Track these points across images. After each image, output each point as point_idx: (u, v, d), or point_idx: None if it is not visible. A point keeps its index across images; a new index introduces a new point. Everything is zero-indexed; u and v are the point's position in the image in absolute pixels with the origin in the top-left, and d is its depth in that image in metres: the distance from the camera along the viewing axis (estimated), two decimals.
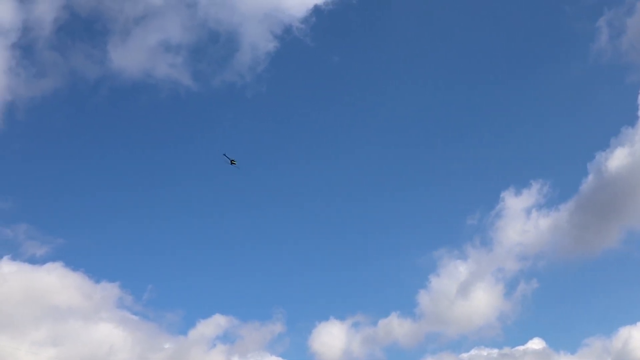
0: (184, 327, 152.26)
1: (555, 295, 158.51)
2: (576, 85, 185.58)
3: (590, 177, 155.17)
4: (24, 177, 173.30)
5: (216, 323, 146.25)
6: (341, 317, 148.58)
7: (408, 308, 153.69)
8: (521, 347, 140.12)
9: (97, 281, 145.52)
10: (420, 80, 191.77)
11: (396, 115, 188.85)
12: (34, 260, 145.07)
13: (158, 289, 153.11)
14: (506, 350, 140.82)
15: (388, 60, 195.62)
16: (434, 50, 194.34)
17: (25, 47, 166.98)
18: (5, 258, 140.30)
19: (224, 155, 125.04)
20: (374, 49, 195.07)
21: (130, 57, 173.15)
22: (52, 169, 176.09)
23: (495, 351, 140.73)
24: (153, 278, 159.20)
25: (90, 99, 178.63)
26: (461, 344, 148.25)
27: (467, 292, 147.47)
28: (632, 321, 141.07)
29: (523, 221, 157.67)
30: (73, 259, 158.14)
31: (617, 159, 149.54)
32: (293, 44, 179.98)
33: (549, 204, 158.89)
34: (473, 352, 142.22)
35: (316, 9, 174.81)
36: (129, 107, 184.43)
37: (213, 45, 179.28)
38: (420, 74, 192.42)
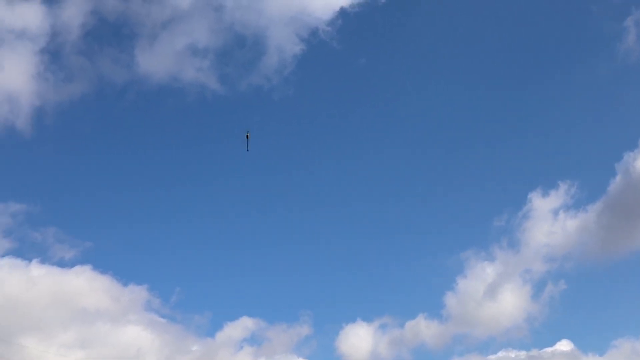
0: (211, 330, 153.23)
1: (583, 296, 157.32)
2: (604, 85, 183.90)
3: (618, 177, 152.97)
4: (53, 181, 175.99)
5: (243, 325, 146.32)
6: (368, 319, 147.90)
7: (435, 310, 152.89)
8: (549, 349, 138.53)
9: (125, 284, 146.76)
10: (447, 82, 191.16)
11: (423, 117, 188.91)
12: (62, 264, 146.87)
13: (185, 291, 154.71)
14: (534, 352, 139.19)
15: (415, 62, 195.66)
16: (460, 52, 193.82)
17: (53, 52, 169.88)
18: (34, 261, 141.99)
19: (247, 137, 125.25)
20: (401, 51, 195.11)
21: (157, 61, 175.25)
22: (80, 173, 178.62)
23: (523, 353, 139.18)
24: (181, 280, 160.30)
25: (118, 103, 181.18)
26: (489, 345, 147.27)
27: (494, 293, 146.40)
28: None
29: (550, 222, 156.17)
30: (101, 262, 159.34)
31: None
32: (319, 47, 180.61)
33: (576, 205, 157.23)
34: (500, 354, 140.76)
35: (342, 12, 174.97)
36: (156, 111, 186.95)
37: (240, 48, 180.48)
38: (447, 76, 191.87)
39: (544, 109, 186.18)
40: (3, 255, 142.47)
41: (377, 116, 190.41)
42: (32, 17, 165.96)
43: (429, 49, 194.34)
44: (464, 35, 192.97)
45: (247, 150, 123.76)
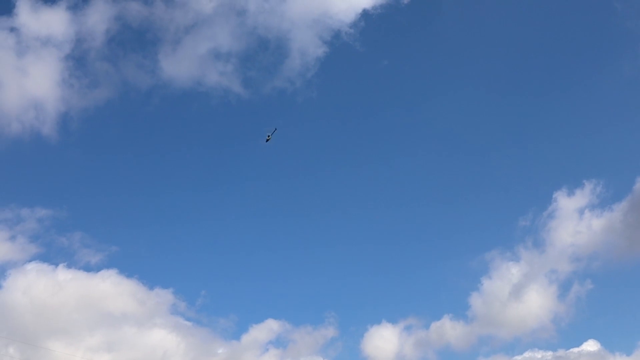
0: (237, 332, 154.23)
1: (609, 296, 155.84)
2: (629, 84, 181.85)
3: None
4: (78, 186, 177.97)
5: (269, 328, 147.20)
6: (393, 321, 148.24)
7: (460, 311, 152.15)
8: (576, 349, 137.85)
9: (151, 287, 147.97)
10: (471, 83, 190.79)
11: (447, 118, 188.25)
12: (88, 268, 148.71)
13: (211, 294, 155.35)
14: (560, 352, 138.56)
15: (437, 64, 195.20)
16: (484, 53, 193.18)
17: (78, 59, 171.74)
18: (60, 266, 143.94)
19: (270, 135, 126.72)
20: (424, 52, 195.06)
21: (180, 66, 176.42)
22: (105, 177, 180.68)
23: (549, 353, 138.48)
24: (206, 284, 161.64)
25: (142, 108, 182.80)
26: (514, 346, 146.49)
27: (520, 294, 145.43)
28: None
29: (576, 222, 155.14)
30: (127, 266, 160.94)
31: None
32: (342, 49, 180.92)
33: (602, 204, 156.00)
34: (527, 354, 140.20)
35: (365, 13, 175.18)
36: (180, 116, 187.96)
37: (263, 52, 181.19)
38: (471, 77, 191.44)
39: (569, 108, 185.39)
40: (30, 260, 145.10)
41: (401, 118, 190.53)
42: (57, 24, 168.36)
43: (452, 50, 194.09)
44: (487, 36, 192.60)
45: (267, 141, 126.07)
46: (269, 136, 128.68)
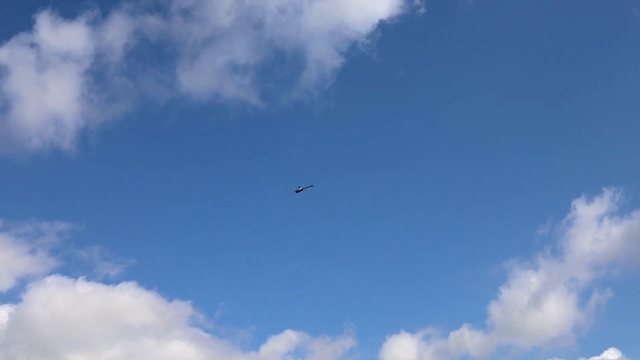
0: (255, 343, 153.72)
1: (630, 304, 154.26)
2: None
3: None
4: (97, 200, 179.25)
5: (287, 338, 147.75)
6: (412, 330, 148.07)
7: (479, 320, 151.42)
8: (596, 358, 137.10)
9: (170, 300, 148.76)
10: (488, 91, 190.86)
11: (465, 126, 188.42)
12: (108, 281, 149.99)
13: (229, 306, 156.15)
14: None
15: (454, 73, 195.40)
16: (500, 61, 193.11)
17: (97, 73, 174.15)
18: (80, 279, 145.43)
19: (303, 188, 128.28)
20: (440, 61, 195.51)
21: (198, 79, 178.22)
22: (124, 191, 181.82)
23: None
24: (225, 295, 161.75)
25: (161, 122, 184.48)
26: (534, 355, 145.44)
27: (539, 302, 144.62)
28: None
29: (595, 229, 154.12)
30: (146, 279, 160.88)
31: None
32: (359, 60, 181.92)
33: (621, 211, 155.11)
34: None
35: (381, 24, 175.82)
36: (199, 129, 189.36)
37: (280, 64, 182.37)
38: (487, 85, 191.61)
39: (588, 115, 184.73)
40: (50, 273, 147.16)
41: (418, 127, 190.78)
42: (77, 40, 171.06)
43: (468, 59, 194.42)
44: (502, 44, 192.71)
45: (297, 192, 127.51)
46: (300, 188, 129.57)
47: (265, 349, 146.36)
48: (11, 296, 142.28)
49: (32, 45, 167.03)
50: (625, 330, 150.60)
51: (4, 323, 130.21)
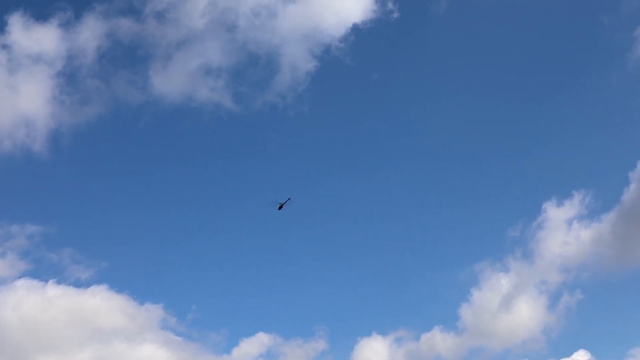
0: (227, 346, 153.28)
1: (599, 306, 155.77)
2: (616, 95, 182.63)
3: (632, 186, 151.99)
4: (69, 203, 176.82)
5: (259, 341, 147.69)
6: (383, 333, 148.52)
7: (450, 322, 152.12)
8: None
9: (141, 303, 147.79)
10: (460, 95, 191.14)
11: (436, 130, 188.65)
12: (78, 284, 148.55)
13: (201, 309, 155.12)
14: None
15: (427, 77, 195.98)
16: (472, 65, 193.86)
17: (69, 75, 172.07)
18: (50, 282, 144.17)
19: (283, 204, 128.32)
20: (414, 66, 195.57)
21: (171, 82, 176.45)
22: (95, 194, 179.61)
23: None
24: (196, 298, 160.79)
25: (133, 124, 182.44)
26: (505, 357, 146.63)
27: (510, 305, 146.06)
28: None
29: (565, 232, 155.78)
30: (117, 282, 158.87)
31: None
32: (333, 63, 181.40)
33: (591, 214, 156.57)
34: None
35: (355, 28, 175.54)
36: (171, 132, 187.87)
37: (253, 67, 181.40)
38: (460, 89, 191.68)
39: (557, 119, 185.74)
40: (20, 277, 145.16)
41: (391, 131, 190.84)
42: (49, 42, 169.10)
43: (442, 63, 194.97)
44: (475, 48, 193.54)
45: (279, 209, 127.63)
46: (281, 205, 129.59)
47: (237, 351, 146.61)
48: None
49: (4, 46, 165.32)
50: (595, 332, 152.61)
51: None
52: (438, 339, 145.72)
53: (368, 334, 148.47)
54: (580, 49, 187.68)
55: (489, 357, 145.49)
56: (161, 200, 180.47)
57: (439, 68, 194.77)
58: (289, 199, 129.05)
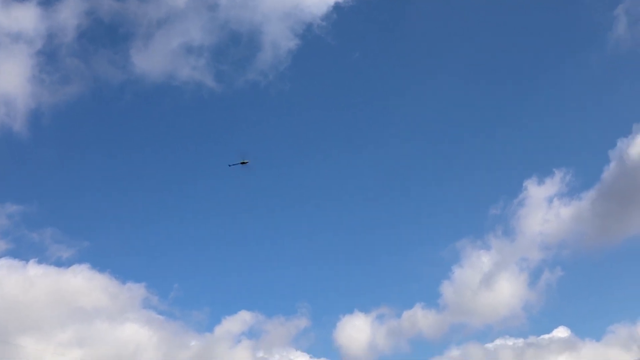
0: (210, 324, 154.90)
1: (579, 283, 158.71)
2: (596, 74, 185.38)
3: (612, 164, 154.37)
4: (50, 182, 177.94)
5: (242, 319, 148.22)
6: (365, 310, 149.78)
7: (432, 299, 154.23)
8: (547, 336, 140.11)
9: (123, 282, 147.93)
10: (442, 74, 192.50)
11: (418, 109, 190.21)
12: (60, 263, 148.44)
13: (184, 288, 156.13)
14: (532, 339, 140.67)
15: (409, 56, 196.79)
16: (454, 44, 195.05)
17: (49, 54, 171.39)
18: (31, 261, 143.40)
19: (230, 165, 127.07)
20: (395, 44, 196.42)
21: (152, 60, 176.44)
22: (77, 173, 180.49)
23: (520, 340, 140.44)
24: (178, 277, 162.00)
25: (114, 103, 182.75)
26: (486, 334, 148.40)
27: (491, 282, 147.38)
28: None
29: (545, 210, 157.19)
30: (99, 261, 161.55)
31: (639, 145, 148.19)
32: (314, 42, 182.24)
33: (571, 192, 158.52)
34: (498, 341, 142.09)
35: (336, 6, 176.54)
36: (152, 111, 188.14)
37: (235, 45, 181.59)
38: (441, 68, 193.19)
39: (539, 98, 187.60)
40: (0, 257, 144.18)
41: (372, 109, 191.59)
42: (28, 20, 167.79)
43: (423, 42, 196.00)
44: (457, 28, 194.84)
45: (241, 164, 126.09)
46: (240, 163, 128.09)
47: (219, 329, 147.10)
48: None
49: None
50: (575, 308, 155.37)
51: None
52: (419, 316, 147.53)
53: (350, 311, 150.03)
54: (561, 28, 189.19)
55: (470, 334, 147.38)
56: (143, 180, 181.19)
57: (420, 47, 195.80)
58: (248, 161, 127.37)
